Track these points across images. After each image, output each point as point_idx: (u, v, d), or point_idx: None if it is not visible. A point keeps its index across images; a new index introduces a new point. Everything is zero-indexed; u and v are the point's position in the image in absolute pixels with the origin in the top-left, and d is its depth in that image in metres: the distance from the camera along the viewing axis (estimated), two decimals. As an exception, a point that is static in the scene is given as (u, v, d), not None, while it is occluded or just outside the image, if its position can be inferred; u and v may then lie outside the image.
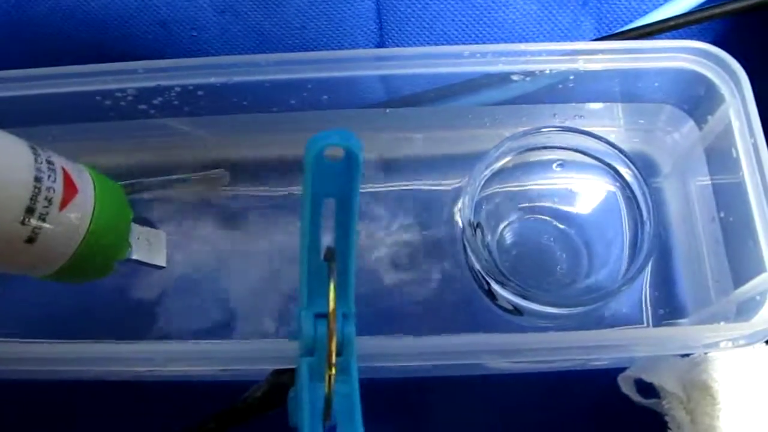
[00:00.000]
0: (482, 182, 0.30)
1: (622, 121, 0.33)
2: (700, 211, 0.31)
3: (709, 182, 0.31)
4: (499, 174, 0.31)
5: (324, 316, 0.23)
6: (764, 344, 0.28)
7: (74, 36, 0.35)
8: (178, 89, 0.30)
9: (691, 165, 0.32)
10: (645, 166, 0.34)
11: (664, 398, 0.29)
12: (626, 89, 0.31)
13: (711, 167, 0.30)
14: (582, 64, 0.29)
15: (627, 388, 0.30)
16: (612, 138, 0.32)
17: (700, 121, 0.31)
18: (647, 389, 0.29)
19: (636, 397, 0.30)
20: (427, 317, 0.31)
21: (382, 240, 0.32)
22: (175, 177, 0.34)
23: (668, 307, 0.32)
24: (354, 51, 0.33)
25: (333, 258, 0.23)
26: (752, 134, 0.27)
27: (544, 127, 0.30)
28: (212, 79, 0.30)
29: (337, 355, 0.22)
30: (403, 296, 0.31)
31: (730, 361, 0.28)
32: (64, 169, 0.25)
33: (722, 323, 0.28)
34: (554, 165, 0.31)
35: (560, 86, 0.31)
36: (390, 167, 0.33)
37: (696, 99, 0.30)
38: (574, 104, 0.32)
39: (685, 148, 0.32)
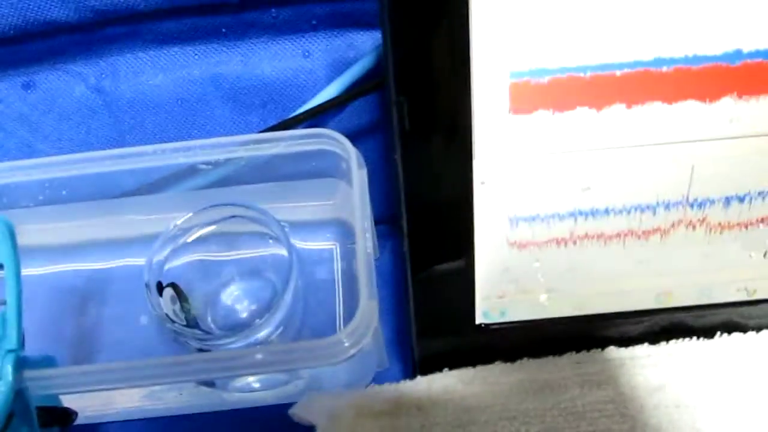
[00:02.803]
0: (168, 252, 0.38)
1: (309, 195, 0.41)
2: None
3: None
4: (189, 244, 0.39)
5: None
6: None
7: None
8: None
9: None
10: (341, 230, 0.42)
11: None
12: (299, 169, 0.39)
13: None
14: (250, 152, 0.38)
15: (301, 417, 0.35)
16: (303, 210, 0.41)
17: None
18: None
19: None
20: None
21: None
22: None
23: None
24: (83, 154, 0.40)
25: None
26: (362, 194, 0.35)
27: (212, 206, 0.39)
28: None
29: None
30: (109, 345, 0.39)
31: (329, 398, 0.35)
32: None
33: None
34: (229, 233, 0.40)
35: (248, 170, 0.39)
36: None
37: (342, 171, 0.38)
38: (268, 184, 0.40)
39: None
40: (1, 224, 0.30)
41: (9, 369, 0.30)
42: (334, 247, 0.42)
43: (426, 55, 0.28)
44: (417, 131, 0.29)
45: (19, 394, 0.30)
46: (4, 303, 0.31)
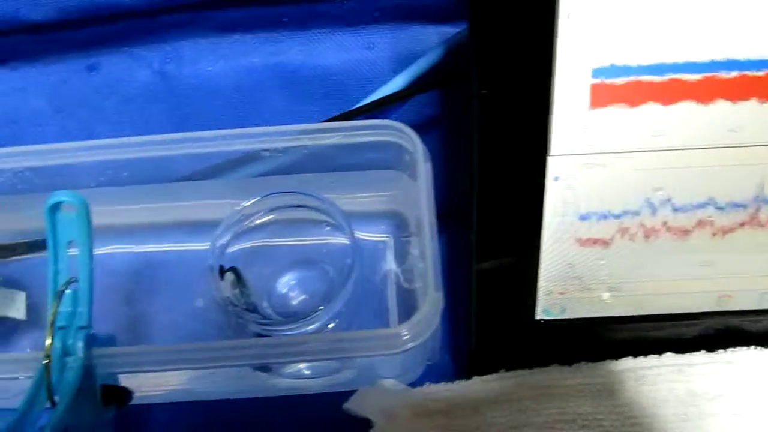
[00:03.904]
0: (230, 237, 0.39)
1: (367, 186, 0.41)
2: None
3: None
4: (250, 230, 0.39)
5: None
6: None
7: None
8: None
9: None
10: (395, 222, 0.42)
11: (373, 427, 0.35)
12: (360, 159, 0.39)
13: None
14: (312, 141, 0.38)
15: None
16: (359, 201, 0.41)
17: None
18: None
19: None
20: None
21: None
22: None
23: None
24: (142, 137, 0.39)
25: (66, 286, 0.31)
26: (428, 187, 0.35)
27: (277, 193, 0.39)
28: (39, 163, 0.39)
29: (69, 354, 0.30)
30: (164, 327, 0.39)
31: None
32: None
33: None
34: (289, 220, 0.40)
35: (309, 159, 0.39)
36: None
37: (405, 164, 0.38)
38: (326, 174, 0.40)
39: (410, 204, 0.40)
40: (79, 202, 0.30)
41: (80, 345, 0.30)
42: (387, 239, 0.42)
43: (510, 48, 0.28)
44: (495, 124, 0.30)
45: (87, 370, 0.31)
46: (75, 281, 0.31)
